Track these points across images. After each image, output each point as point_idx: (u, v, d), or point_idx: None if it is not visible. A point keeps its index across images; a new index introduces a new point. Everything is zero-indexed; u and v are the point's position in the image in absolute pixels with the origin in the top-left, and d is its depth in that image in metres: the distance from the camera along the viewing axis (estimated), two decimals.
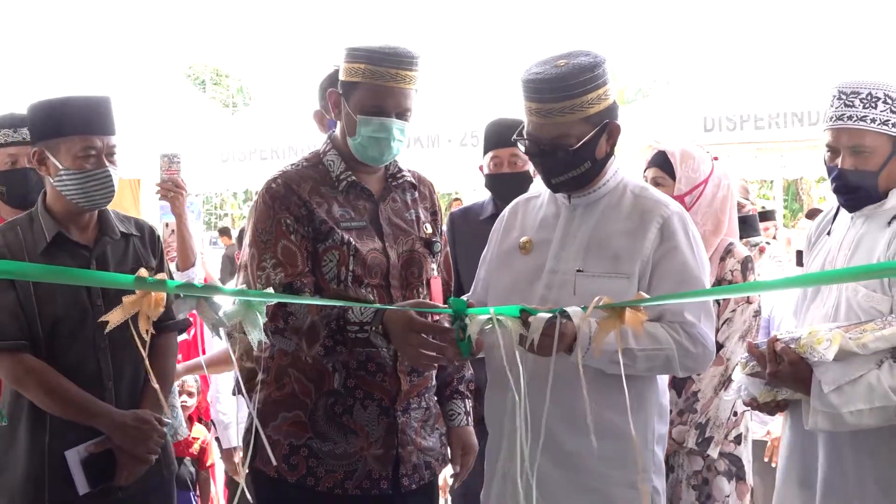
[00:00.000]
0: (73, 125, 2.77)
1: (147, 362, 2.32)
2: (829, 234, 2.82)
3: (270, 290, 2.44)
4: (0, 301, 2.73)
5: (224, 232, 16.89)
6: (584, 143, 2.49)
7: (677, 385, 3.07)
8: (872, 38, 9.29)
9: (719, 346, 3.00)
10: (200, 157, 10.16)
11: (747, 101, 9.35)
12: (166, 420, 2.87)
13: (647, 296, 2.28)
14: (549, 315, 2.20)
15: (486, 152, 3.96)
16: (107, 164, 2.79)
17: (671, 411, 3.02)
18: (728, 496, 3.08)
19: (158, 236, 3.06)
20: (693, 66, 12.54)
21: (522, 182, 3.84)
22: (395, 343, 2.43)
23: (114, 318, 2.23)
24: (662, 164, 3.25)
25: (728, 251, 3.16)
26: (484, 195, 4.22)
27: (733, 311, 3.08)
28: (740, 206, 5.73)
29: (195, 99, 13.30)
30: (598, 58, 2.51)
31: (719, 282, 3.11)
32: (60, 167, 2.76)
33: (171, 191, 3.88)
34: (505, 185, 3.84)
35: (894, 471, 2.56)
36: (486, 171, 3.96)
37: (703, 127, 9.38)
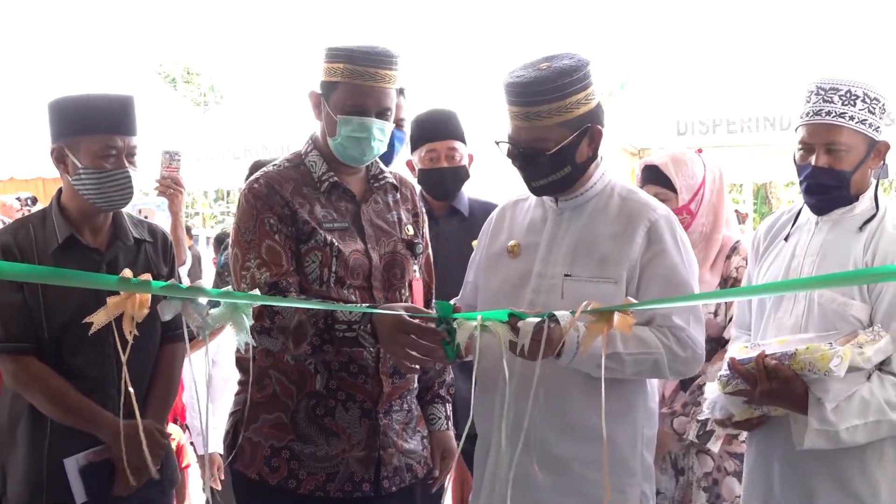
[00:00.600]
0: (96, 124, 2.72)
1: (126, 369, 2.26)
2: (786, 239, 2.70)
3: (256, 290, 2.43)
4: (7, 302, 2.68)
5: (187, 231, 16.71)
6: (562, 148, 2.48)
7: (683, 381, 3.06)
8: (843, 44, 9.36)
9: (725, 342, 3.01)
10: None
11: (720, 106, 9.41)
12: (168, 431, 2.82)
13: (635, 301, 2.27)
14: (538, 320, 2.18)
15: (418, 146, 3.76)
16: (126, 164, 2.75)
17: (676, 405, 3.04)
18: (738, 496, 3.02)
19: (171, 243, 3.01)
20: (667, 70, 12.57)
21: (460, 177, 3.75)
22: (383, 343, 2.41)
23: (98, 318, 2.17)
24: (658, 179, 3.19)
25: (734, 249, 3.17)
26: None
27: None
28: None
29: (166, 97, 13.18)
30: (582, 61, 2.49)
31: (725, 280, 3.12)
32: (80, 166, 2.71)
33: (171, 188, 3.85)
34: (443, 179, 3.72)
35: (848, 491, 2.50)
36: (419, 166, 3.76)
37: (677, 130, 9.44)
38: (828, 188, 2.55)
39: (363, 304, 2.49)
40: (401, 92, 3.30)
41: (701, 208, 3.17)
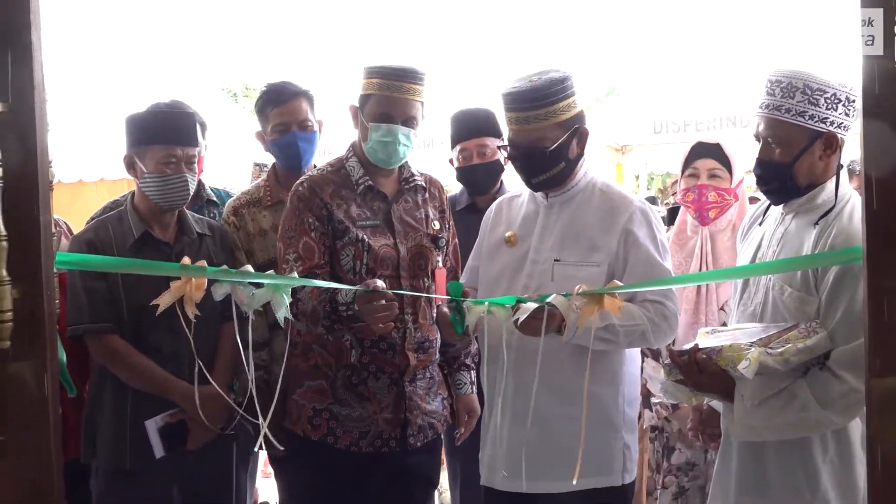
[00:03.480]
0: (158, 136, 2.71)
1: (192, 341, 2.28)
2: (760, 224, 2.43)
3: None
4: (91, 289, 2.67)
5: None
6: (558, 146, 2.43)
7: None
8: (804, 49, 9.21)
9: None
10: (235, 159, 10.05)
11: (689, 108, 9.31)
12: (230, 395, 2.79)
13: (620, 283, 2.23)
14: (537, 305, 2.17)
15: (453, 146, 3.54)
16: (185, 170, 2.72)
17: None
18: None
19: (228, 235, 2.98)
20: (645, 78, 12.47)
21: (494, 172, 3.47)
22: (359, 309, 2.34)
23: (163, 300, 2.22)
24: (718, 156, 2.92)
25: None
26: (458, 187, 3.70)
27: None
28: None
29: (229, 109, 13.14)
30: (566, 73, 2.46)
31: None
32: (145, 171, 2.71)
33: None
34: (476, 176, 3.47)
35: (806, 476, 2.18)
36: (456, 164, 3.53)
37: (653, 129, 9.33)
38: (769, 179, 2.25)
39: (357, 286, 2.38)
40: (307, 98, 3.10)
41: (742, 198, 2.96)
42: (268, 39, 18.70)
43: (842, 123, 2.19)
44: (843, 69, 2.17)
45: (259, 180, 3.21)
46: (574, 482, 2.22)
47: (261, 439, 2.23)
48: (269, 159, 3.36)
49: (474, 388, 2.90)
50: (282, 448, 2.46)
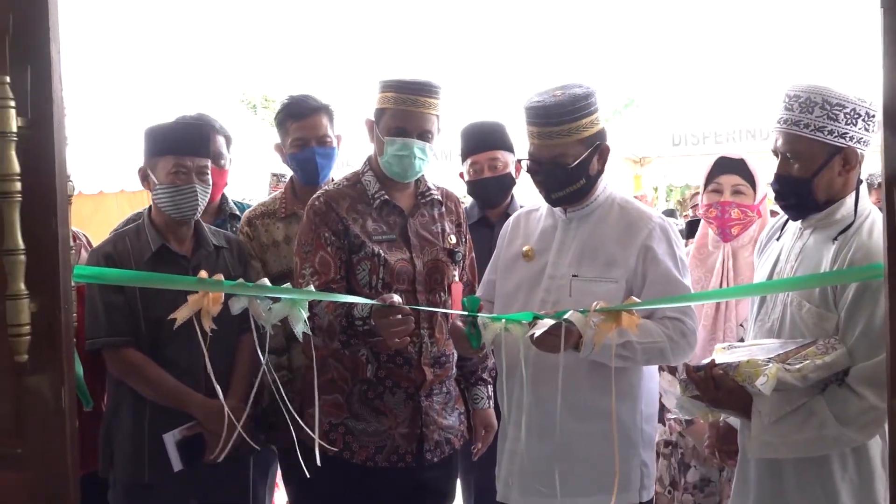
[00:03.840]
0: (168, 147, 2.72)
1: (206, 354, 2.25)
2: (778, 239, 2.40)
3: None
4: (109, 302, 2.67)
5: None
6: (580, 162, 2.42)
7: None
8: (823, 61, 9.17)
9: None
10: (254, 171, 10.10)
11: (708, 120, 9.28)
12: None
13: (639, 300, 2.20)
14: (555, 322, 2.14)
15: (464, 160, 3.50)
16: (195, 181, 2.72)
17: None
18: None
19: (244, 247, 2.98)
20: (663, 91, 12.45)
21: (505, 185, 3.43)
22: (375, 323, 2.33)
23: (180, 314, 2.18)
24: (742, 172, 2.89)
25: None
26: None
27: None
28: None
29: (248, 120, 13.22)
30: (590, 89, 2.44)
31: None
32: (157, 182, 2.72)
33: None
34: (487, 190, 3.43)
35: (825, 494, 2.14)
36: (466, 177, 3.50)
37: (672, 142, 9.31)
38: (787, 195, 2.22)
39: (374, 301, 2.36)
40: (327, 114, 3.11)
41: (764, 214, 2.92)
42: (287, 51, 18.80)
43: (861, 139, 2.16)
44: (863, 82, 2.13)
45: (277, 192, 3.21)
46: (612, 501, 2.18)
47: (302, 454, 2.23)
48: (288, 170, 3.36)
49: (491, 402, 2.88)
50: (307, 469, 2.44)
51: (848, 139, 2.14)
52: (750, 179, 2.91)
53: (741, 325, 2.80)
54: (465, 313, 2.30)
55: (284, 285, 2.33)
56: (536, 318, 2.18)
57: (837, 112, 2.13)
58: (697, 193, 6.96)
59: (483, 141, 3.47)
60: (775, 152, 2.24)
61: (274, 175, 3.79)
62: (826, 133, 2.13)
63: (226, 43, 18.50)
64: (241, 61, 19.29)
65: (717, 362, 2.15)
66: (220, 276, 2.21)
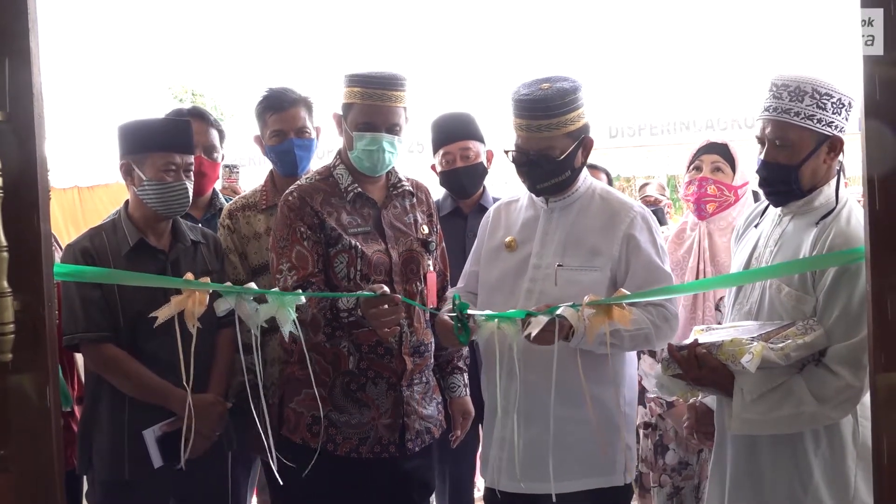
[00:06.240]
0: (159, 143, 2.67)
1: (188, 353, 2.22)
2: (756, 226, 2.43)
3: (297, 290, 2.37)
4: (87, 297, 2.61)
5: None
6: (566, 155, 2.45)
7: None
8: (757, 55, 9.42)
9: None
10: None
11: (643, 113, 9.47)
12: (228, 403, 2.76)
13: (626, 292, 2.25)
14: (548, 318, 2.19)
15: (435, 151, 3.48)
16: (183, 178, 2.69)
17: None
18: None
19: (220, 243, 2.95)
20: (601, 85, 12.64)
21: (477, 174, 3.44)
22: (365, 314, 2.34)
23: (162, 314, 2.16)
24: (724, 154, 2.96)
25: None
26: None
27: None
28: (657, 202, 5.75)
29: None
30: (577, 83, 2.47)
31: None
32: (144, 178, 2.66)
33: (231, 197, 3.71)
34: (460, 179, 3.42)
35: (798, 470, 2.20)
36: (439, 168, 3.48)
37: (609, 134, 9.49)
38: (774, 181, 2.26)
39: (363, 292, 2.39)
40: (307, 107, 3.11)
41: (741, 200, 2.96)
42: (213, 40, 18.47)
43: (843, 127, 2.23)
44: (830, 69, 2.19)
45: (257, 186, 3.19)
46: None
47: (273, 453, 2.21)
48: (239, 161, 3.32)
49: (468, 390, 2.90)
50: (287, 461, 2.44)
51: (833, 128, 2.21)
52: (730, 160, 2.97)
53: (718, 309, 2.85)
54: (457, 312, 2.31)
55: (273, 289, 2.30)
56: (529, 315, 2.21)
57: (826, 101, 2.19)
58: (647, 184, 7.10)
59: (454, 131, 3.46)
60: (761, 140, 2.27)
61: (226, 167, 3.72)
62: (815, 121, 2.19)
63: (152, 35, 18.08)
64: (166, 54, 18.84)
65: (699, 342, 2.20)
66: (206, 279, 2.20)
